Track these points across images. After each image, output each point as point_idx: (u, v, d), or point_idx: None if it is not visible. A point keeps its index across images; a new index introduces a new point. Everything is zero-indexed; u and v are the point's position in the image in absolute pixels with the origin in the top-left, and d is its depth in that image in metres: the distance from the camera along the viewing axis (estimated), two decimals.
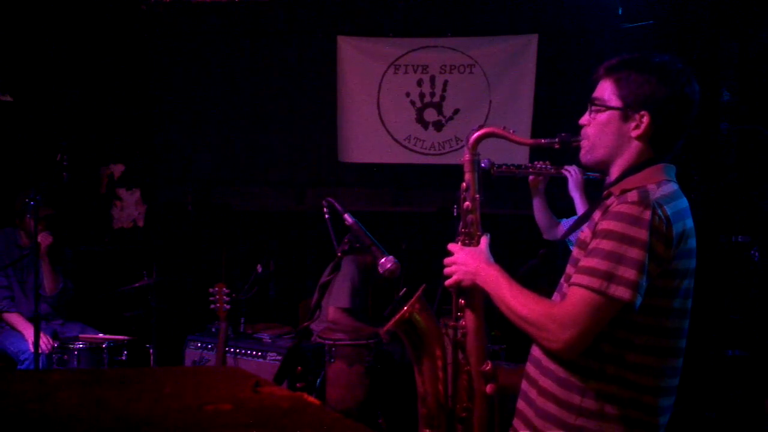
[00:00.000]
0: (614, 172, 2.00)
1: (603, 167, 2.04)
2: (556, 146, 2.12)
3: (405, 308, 2.22)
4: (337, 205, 2.93)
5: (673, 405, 1.96)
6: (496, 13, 6.03)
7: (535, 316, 1.89)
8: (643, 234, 1.79)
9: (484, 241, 2.15)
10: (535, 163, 3.61)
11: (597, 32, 5.78)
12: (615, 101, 1.96)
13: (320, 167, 6.33)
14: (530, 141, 2.23)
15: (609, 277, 1.80)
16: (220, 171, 6.42)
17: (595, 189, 3.62)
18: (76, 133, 6.11)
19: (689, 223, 1.91)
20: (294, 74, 6.29)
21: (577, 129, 2.08)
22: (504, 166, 3.43)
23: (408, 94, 6.16)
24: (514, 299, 1.94)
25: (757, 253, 4.83)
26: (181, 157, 6.42)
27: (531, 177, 3.64)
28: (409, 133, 6.17)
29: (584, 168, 3.15)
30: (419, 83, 6.14)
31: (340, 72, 6.17)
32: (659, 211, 1.81)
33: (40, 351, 4.45)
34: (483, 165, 3.28)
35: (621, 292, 1.79)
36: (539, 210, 3.72)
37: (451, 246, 2.15)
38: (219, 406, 1.67)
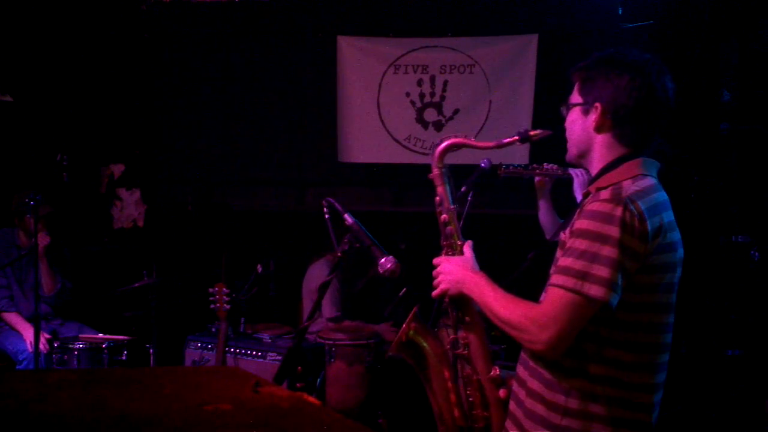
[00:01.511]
0: (593, 170, 2.02)
1: (583, 166, 2.08)
2: (518, 143, 2.15)
3: (401, 332, 2.22)
4: (337, 205, 2.93)
5: (660, 401, 1.96)
6: (496, 13, 6.03)
7: (515, 318, 1.90)
8: (614, 231, 1.79)
9: (468, 249, 2.17)
10: (543, 164, 3.62)
11: (597, 32, 5.77)
12: (577, 98, 2.02)
13: (320, 167, 6.33)
14: (492, 143, 2.21)
15: (583, 276, 1.81)
16: (220, 171, 6.42)
17: None
18: (76, 133, 6.11)
19: (667, 216, 1.90)
20: (294, 74, 6.28)
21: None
22: (512, 167, 3.43)
23: (408, 94, 6.16)
24: (497, 303, 1.96)
25: (757, 253, 4.83)
26: (181, 157, 6.41)
27: (538, 178, 3.64)
28: (409, 133, 6.17)
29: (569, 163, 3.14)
30: (419, 83, 6.14)
31: (340, 72, 6.17)
32: (631, 207, 1.81)
33: (39, 351, 4.45)
34: (483, 165, 3.30)
35: (595, 290, 1.79)
36: (544, 211, 3.72)
37: (436, 260, 2.17)
38: (219, 406, 1.67)
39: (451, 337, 2.19)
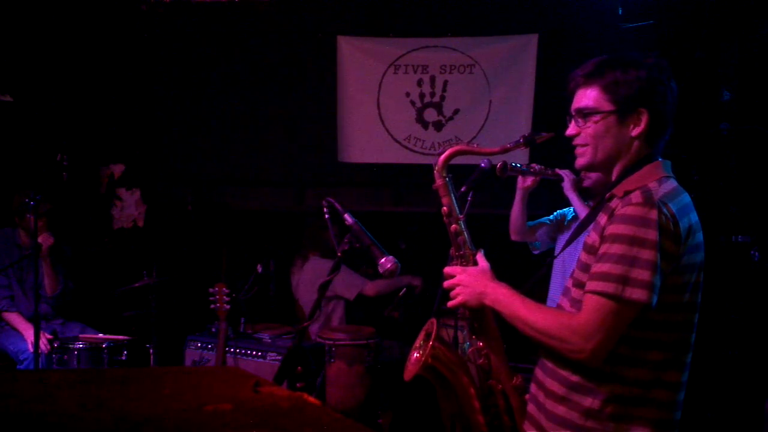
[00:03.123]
0: (613, 173, 2.01)
1: (603, 171, 2.04)
2: (523, 147, 2.13)
3: (426, 353, 2.12)
4: (337, 205, 2.93)
5: (683, 400, 1.96)
6: (496, 13, 6.02)
7: (555, 329, 1.89)
8: (652, 234, 1.80)
9: (482, 259, 2.14)
10: (532, 165, 3.68)
11: (597, 32, 5.77)
12: (608, 106, 1.95)
13: (320, 167, 6.32)
14: (497, 149, 2.19)
15: (624, 280, 1.80)
16: (220, 171, 6.42)
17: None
18: (76, 133, 6.11)
19: (694, 217, 1.92)
20: (294, 74, 6.28)
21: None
22: (512, 165, 3.48)
23: (408, 94, 6.16)
24: (530, 314, 1.94)
25: (757, 253, 4.83)
26: (181, 157, 6.41)
27: (530, 179, 3.69)
28: (409, 133, 6.17)
29: (576, 171, 3.21)
30: (419, 83, 6.14)
31: (340, 72, 6.17)
32: (665, 210, 1.83)
33: (39, 351, 4.45)
34: (482, 165, 3.31)
35: (638, 294, 1.80)
36: (519, 211, 3.80)
37: (450, 269, 2.12)
38: (219, 406, 1.67)
39: (471, 348, 2.15)
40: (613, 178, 2.00)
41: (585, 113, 1.98)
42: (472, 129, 6.03)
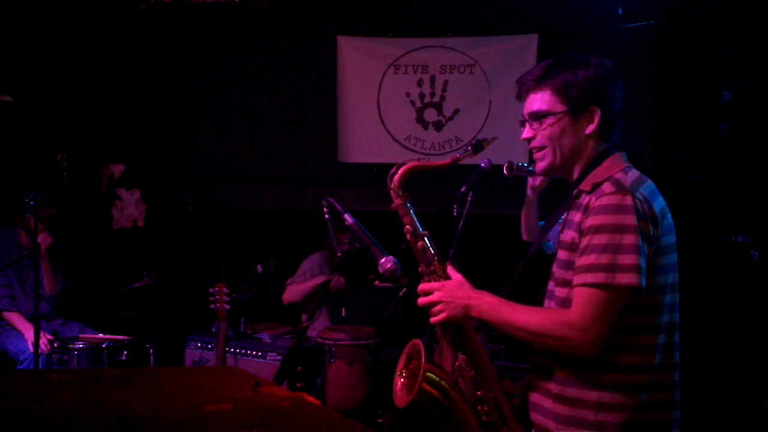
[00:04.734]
0: (576, 172, 2.04)
1: (564, 172, 2.06)
2: (472, 155, 2.14)
3: (419, 378, 2.06)
4: (337, 205, 2.93)
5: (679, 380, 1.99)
6: (496, 13, 6.03)
7: (550, 328, 1.89)
8: (630, 219, 1.84)
9: (453, 271, 2.09)
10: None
11: (597, 32, 5.78)
12: (560, 107, 1.99)
13: (320, 167, 6.33)
14: (448, 160, 2.15)
15: (612, 268, 1.83)
16: (220, 171, 6.42)
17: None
18: (76, 133, 6.11)
19: (662, 201, 1.97)
20: (294, 74, 6.29)
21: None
22: (519, 164, 3.47)
23: (408, 94, 6.16)
24: (523, 318, 1.94)
25: (757, 253, 4.83)
26: (181, 157, 6.41)
27: (539, 179, 3.69)
28: (409, 133, 6.17)
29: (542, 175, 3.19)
30: (419, 83, 6.14)
31: (340, 72, 6.17)
32: (638, 195, 1.88)
33: (39, 351, 4.45)
34: (483, 165, 3.30)
35: (628, 278, 1.83)
36: (531, 211, 3.78)
37: (427, 286, 2.07)
38: (219, 406, 1.67)
39: (456, 363, 2.09)
40: (575, 176, 2.04)
41: (539, 116, 2.02)
42: (472, 129, 6.04)
